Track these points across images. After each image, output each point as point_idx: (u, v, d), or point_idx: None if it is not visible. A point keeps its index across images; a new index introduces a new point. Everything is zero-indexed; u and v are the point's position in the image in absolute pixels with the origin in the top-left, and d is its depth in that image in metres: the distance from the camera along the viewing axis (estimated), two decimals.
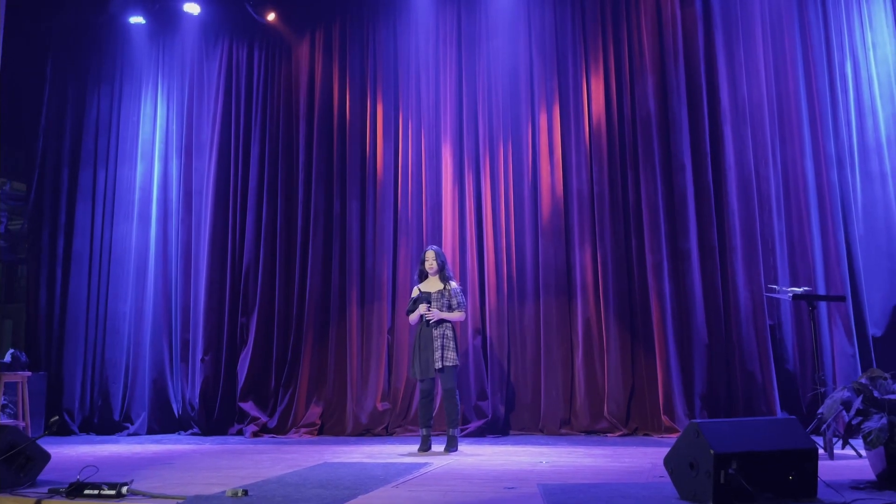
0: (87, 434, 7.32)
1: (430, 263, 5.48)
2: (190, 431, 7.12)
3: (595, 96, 6.68)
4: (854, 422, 3.50)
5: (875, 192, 5.91)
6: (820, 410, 3.99)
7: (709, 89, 6.36)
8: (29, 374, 6.79)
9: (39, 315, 7.65)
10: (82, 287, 7.69)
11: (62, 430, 7.14)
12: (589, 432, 6.18)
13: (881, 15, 6.09)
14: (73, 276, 7.71)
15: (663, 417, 5.97)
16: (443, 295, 5.44)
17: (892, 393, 3.49)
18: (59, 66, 8.07)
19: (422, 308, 5.40)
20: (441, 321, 5.38)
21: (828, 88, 6.07)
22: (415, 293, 5.52)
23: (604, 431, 6.14)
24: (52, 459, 4.19)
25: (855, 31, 6.14)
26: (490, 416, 6.38)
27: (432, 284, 5.50)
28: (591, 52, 6.75)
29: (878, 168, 5.92)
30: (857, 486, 3.45)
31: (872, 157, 5.95)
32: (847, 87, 6.07)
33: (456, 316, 5.45)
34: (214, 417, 7.06)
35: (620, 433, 6.06)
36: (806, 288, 5.38)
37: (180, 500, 3.48)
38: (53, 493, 3.68)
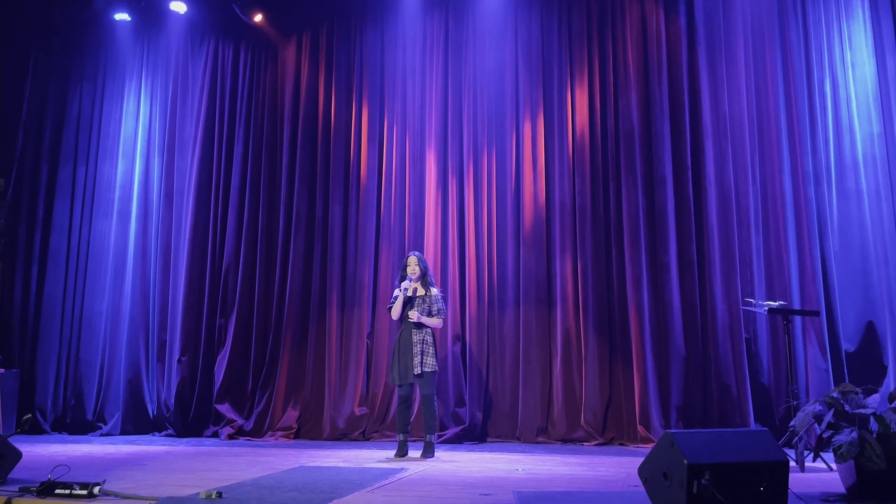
0: (60, 433, 7.22)
1: (413, 269, 5.49)
2: (164, 433, 7.05)
3: (579, 108, 6.73)
4: (825, 435, 3.56)
5: (851, 210, 6.01)
6: (792, 423, 4.04)
7: (691, 105, 6.45)
8: (1, 371, 6.70)
9: (13, 312, 7.54)
10: (58, 284, 7.60)
11: (34, 429, 7.05)
12: (565, 441, 6.21)
13: (860, 35, 6.19)
14: (50, 272, 7.62)
15: (639, 427, 6.01)
16: (424, 300, 5.46)
17: (863, 408, 3.55)
18: (42, 61, 7.99)
19: (405, 284, 5.40)
20: (421, 326, 5.38)
21: (807, 106, 6.17)
22: (396, 292, 5.52)
23: (580, 440, 6.17)
24: (23, 458, 4.15)
25: (835, 51, 6.24)
26: (468, 422, 6.39)
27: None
28: (576, 65, 6.81)
29: (854, 186, 6.01)
30: (828, 498, 3.50)
31: (849, 175, 6.05)
32: (826, 106, 6.17)
33: (434, 322, 5.45)
34: (190, 419, 7.00)
35: (597, 442, 6.10)
36: (782, 302, 5.47)
37: (153, 501, 3.46)
38: (24, 491, 3.64)
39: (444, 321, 6.45)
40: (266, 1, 7.56)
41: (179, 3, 7.61)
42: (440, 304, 5.50)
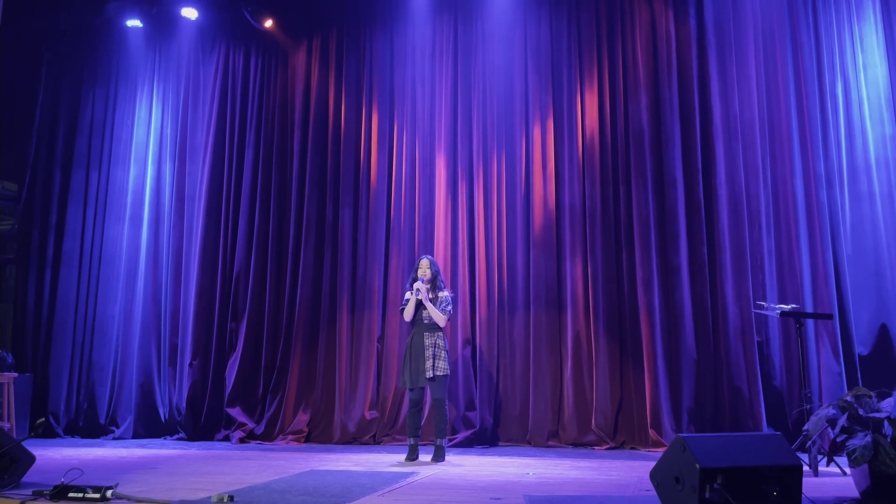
0: (72, 437, 7.26)
1: (424, 271, 5.49)
2: (176, 436, 7.08)
3: (589, 111, 6.73)
4: (839, 439, 3.53)
5: (863, 212, 5.97)
6: (805, 427, 4.01)
7: (701, 107, 6.43)
8: (15, 375, 6.74)
9: (27, 316, 7.60)
10: (71, 289, 7.65)
11: (47, 433, 7.09)
12: (576, 445, 6.19)
13: (872, 37, 6.16)
14: (63, 277, 7.67)
15: (650, 431, 5.98)
16: (432, 303, 5.45)
17: (877, 411, 3.52)
18: (54, 68, 8.06)
19: (417, 285, 5.40)
20: (433, 330, 5.38)
21: (818, 108, 6.14)
22: (408, 295, 5.52)
23: (591, 444, 6.15)
24: (36, 462, 4.17)
25: (846, 53, 6.21)
26: (478, 426, 6.38)
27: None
28: (585, 68, 6.81)
29: (866, 188, 5.98)
30: (842, 503, 3.47)
31: (861, 177, 6.02)
32: (837, 108, 6.14)
33: (439, 315, 5.42)
34: (201, 423, 7.03)
35: (608, 446, 6.07)
36: (794, 305, 5.43)
37: None
38: (38, 495, 3.66)
39: (453, 324, 6.47)
40: (276, 6, 7.61)
41: (190, 9, 7.66)
42: (445, 304, 5.44)
